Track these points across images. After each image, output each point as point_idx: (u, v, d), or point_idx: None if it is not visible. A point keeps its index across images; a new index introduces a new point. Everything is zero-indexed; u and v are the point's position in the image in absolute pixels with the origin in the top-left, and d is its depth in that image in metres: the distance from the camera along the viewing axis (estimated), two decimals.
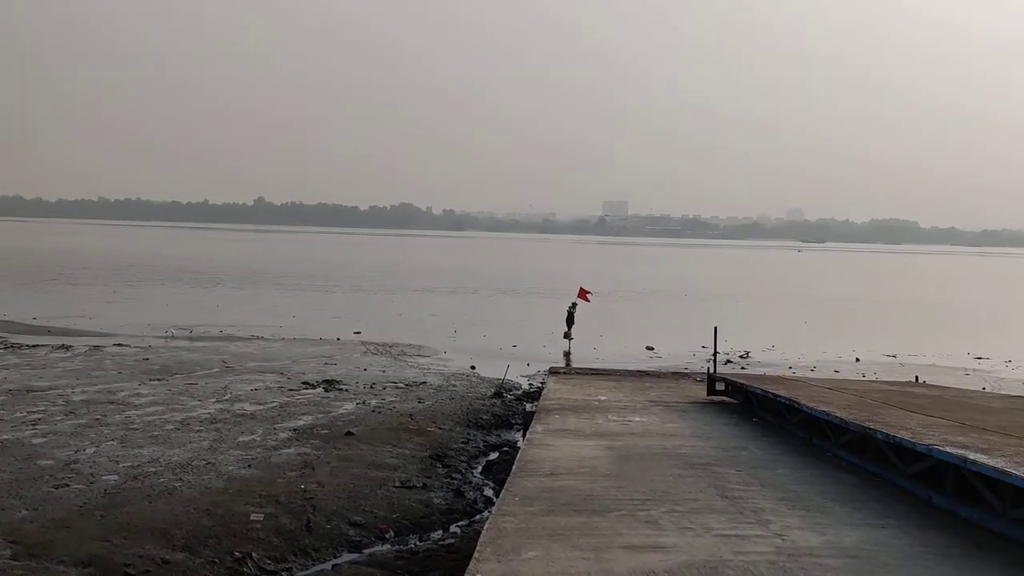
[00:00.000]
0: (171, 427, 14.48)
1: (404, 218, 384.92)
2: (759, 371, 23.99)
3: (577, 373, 20.13)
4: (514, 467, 9.71)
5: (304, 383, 19.65)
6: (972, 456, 7.50)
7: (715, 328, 18.37)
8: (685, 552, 6.73)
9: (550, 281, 63.88)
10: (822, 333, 37.48)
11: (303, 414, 16.09)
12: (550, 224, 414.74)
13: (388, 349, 27.38)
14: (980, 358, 30.43)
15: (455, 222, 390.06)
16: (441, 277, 68.00)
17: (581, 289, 30.53)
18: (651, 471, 9.64)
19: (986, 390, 20.56)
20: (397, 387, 19.93)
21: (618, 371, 20.97)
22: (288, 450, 13.33)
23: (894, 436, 8.89)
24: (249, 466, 12.24)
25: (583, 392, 16.34)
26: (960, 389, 17.29)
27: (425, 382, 20.94)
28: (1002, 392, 19.90)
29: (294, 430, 14.68)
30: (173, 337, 28.11)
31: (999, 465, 7.10)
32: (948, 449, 7.90)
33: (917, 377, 19.12)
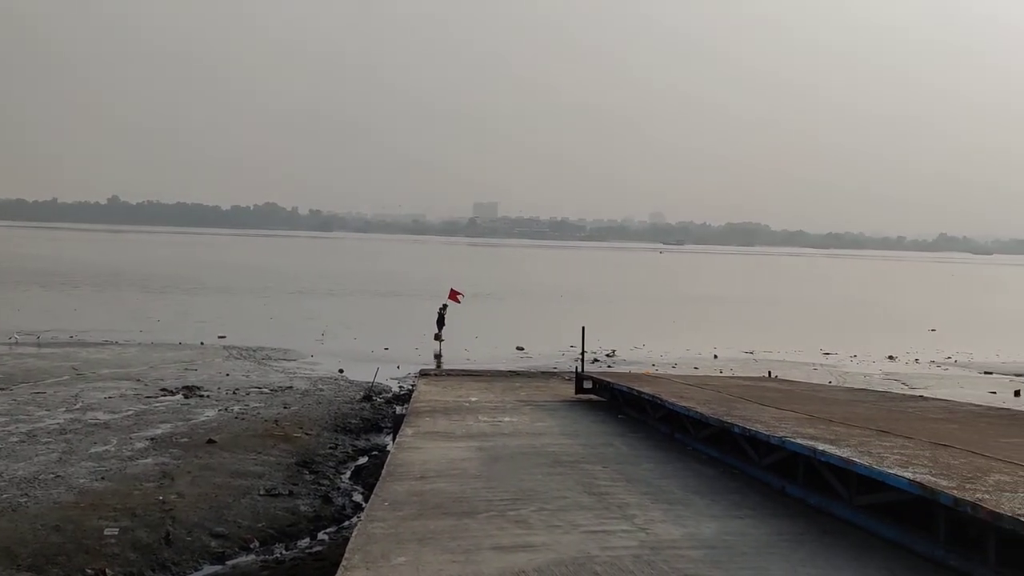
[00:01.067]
0: (15, 439, 13.59)
1: (268, 218, 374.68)
2: (625, 369, 24.66)
3: (448, 375, 20.11)
4: (383, 471, 9.59)
5: (162, 390, 18.84)
6: (821, 447, 7.91)
7: (582, 328, 18.74)
8: (553, 550, 6.81)
9: (422, 283, 63.62)
10: (684, 331, 38.86)
11: (161, 422, 15.42)
12: (420, 225, 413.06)
13: (253, 353, 26.58)
14: (827, 353, 32.28)
15: (322, 223, 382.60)
16: (310, 279, 66.60)
17: (451, 290, 30.52)
18: (521, 470, 9.72)
19: (832, 383, 21.81)
20: (262, 392, 19.37)
21: (489, 372, 21.07)
22: (145, 460, 12.74)
23: (750, 429, 9.28)
24: (103, 478, 11.62)
25: (454, 394, 16.32)
26: (809, 383, 18.27)
27: (291, 387, 20.45)
28: (846, 385, 21.17)
29: (152, 439, 14.05)
30: (17, 343, 26.37)
31: (845, 455, 7.52)
32: (799, 441, 8.31)
33: (770, 372, 20.07)
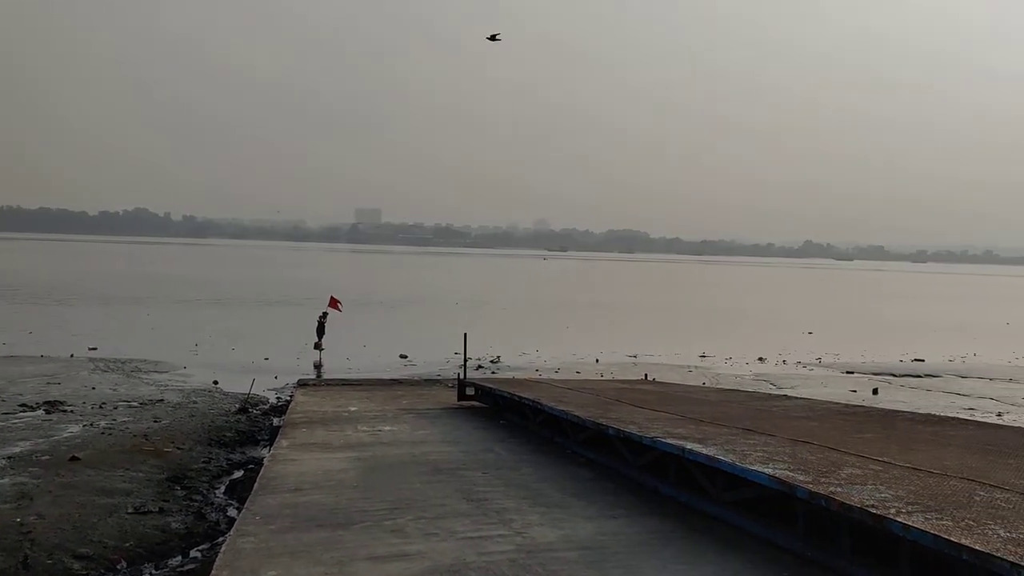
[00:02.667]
0: None
1: (139, 224, 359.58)
2: (509, 375, 24.81)
3: (327, 384, 19.78)
4: (255, 485, 9.36)
5: (21, 405, 17.79)
6: (689, 446, 8.18)
7: (464, 334, 18.77)
8: (430, 558, 6.80)
9: (303, 290, 62.33)
10: (569, 336, 39.41)
11: (20, 440, 14.55)
12: (300, 231, 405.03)
13: (122, 366, 25.43)
14: (703, 356, 33.37)
15: (197, 229, 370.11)
16: (185, 288, 64.24)
17: (332, 298, 30.04)
18: (399, 479, 9.66)
19: (705, 385, 22.56)
20: (131, 406, 18.55)
21: (370, 381, 20.84)
22: (1, 480, 11.99)
23: (624, 431, 9.51)
24: None
25: (333, 403, 16.07)
26: (683, 385, 18.84)
27: (163, 400, 19.66)
28: (719, 386, 21.93)
29: (8, 458, 13.24)
30: None
31: (711, 453, 7.79)
32: (670, 441, 8.57)
33: (647, 375, 20.58)
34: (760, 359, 32.96)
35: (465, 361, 18.79)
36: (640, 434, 9.18)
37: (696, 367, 29.96)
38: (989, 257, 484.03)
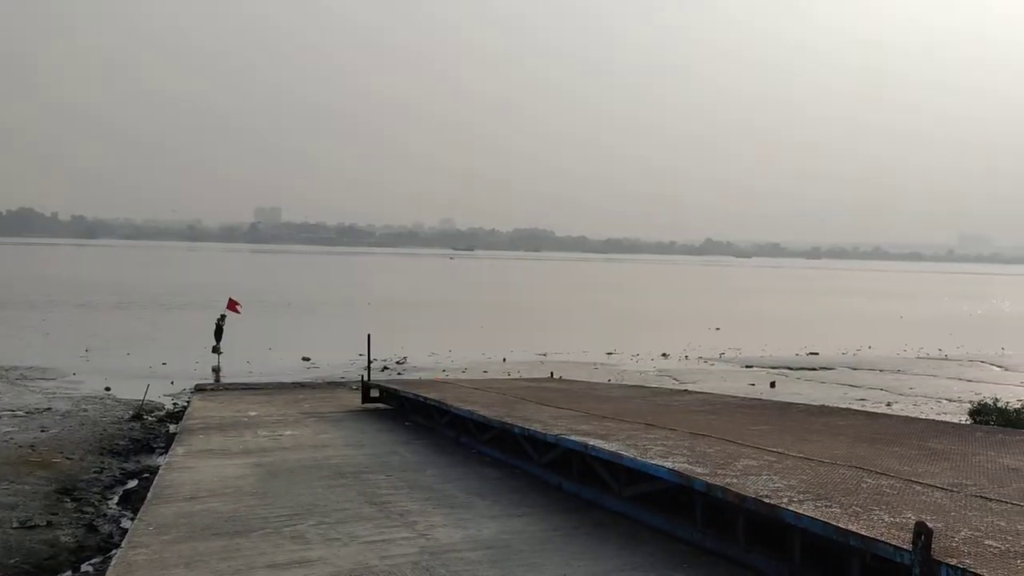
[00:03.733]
0: None
1: (24, 224, 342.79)
2: (416, 376, 24.63)
3: (226, 389, 19.25)
4: (149, 494, 9.04)
5: None
6: (592, 442, 8.26)
7: (368, 335, 18.53)
8: (331, 564, 6.67)
9: (200, 292, 60.55)
10: (478, 336, 39.40)
11: None
12: (196, 231, 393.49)
13: (6, 374, 24.16)
14: (611, 353, 33.83)
15: (87, 229, 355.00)
16: (80, 291, 61.59)
17: (230, 300, 29.23)
18: (300, 485, 9.45)
19: (611, 381, 22.87)
20: (15, 416, 17.64)
21: (271, 384, 20.39)
22: None
23: (528, 429, 9.54)
24: None
25: (232, 409, 15.65)
26: (588, 382, 19.04)
27: (51, 408, 18.76)
28: (623, 383, 22.25)
29: None
30: None
31: (614, 449, 7.89)
32: (573, 437, 8.64)
33: (552, 373, 20.73)
34: (664, 355, 33.61)
35: (369, 363, 18.55)
36: (544, 432, 9.23)
37: (602, 364, 30.34)
38: (878, 253, 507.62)
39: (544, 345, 35.47)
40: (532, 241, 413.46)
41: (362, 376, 17.65)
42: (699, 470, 6.81)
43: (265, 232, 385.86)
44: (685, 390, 17.51)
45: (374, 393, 16.38)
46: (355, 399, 16.77)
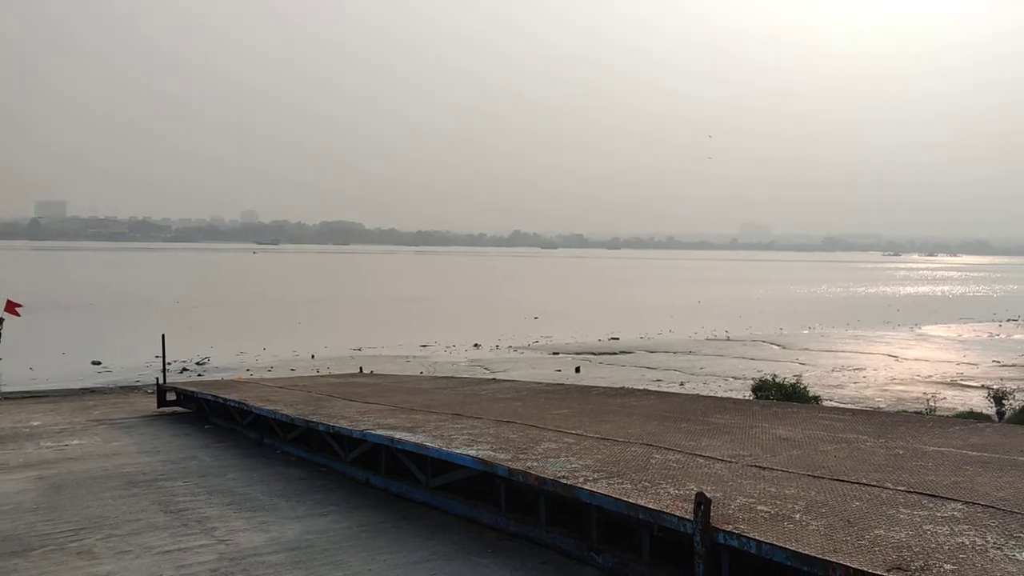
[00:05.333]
0: None
1: None
2: (218, 377, 23.63)
3: (5, 398, 17.71)
4: None
5: None
6: (398, 435, 8.24)
7: (162, 335, 17.60)
8: None
9: None
10: (287, 333, 38.28)
11: None
12: None
13: None
14: (424, 345, 33.89)
15: None
16: None
17: (8, 302, 26.85)
18: (88, 497, 8.85)
19: (422, 374, 22.94)
20: None
21: (57, 391, 18.98)
22: None
23: (334, 426, 9.39)
24: None
25: (11, 419, 14.41)
26: (398, 375, 18.99)
27: None
28: (435, 375, 22.38)
29: None
30: None
31: (420, 441, 7.91)
32: (379, 432, 8.59)
33: (362, 368, 20.53)
34: (476, 345, 34.07)
35: (164, 364, 17.62)
36: (351, 428, 9.12)
37: (415, 357, 30.36)
38: (671, 243, 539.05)
39: (356, 340, 35.03)
40: (341, 234, 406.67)
41: (157, 379, 16.75)
42: (502, 456, 6.96)
43: (49, 228, 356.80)
44: (493, 379, 17.84)
45: (170, 396, 15.60)
46: (150, 404, 15.91)
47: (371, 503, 8.38)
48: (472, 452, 7.17)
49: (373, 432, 8.67)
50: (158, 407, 15.45)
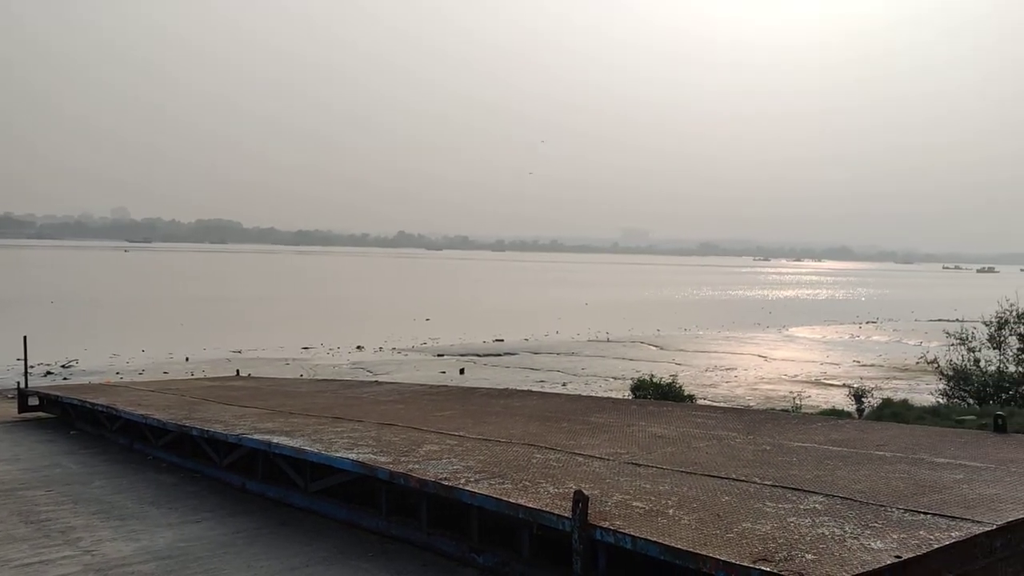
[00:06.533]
0: None
1: None
2: (86, 380, 22.55)
3: None
4: None
5: None
6: (276, 440, 8.06)
7: (24, 337, 16.63)
8: None
9: None
10: (160, 335, 36.80)
11: None
12: None
13: None
14: (306, 347, 33.23)
15: None
16: None
17: None
18: None
19: (302, 376, 22.51)
20: None
21: None
22: None
23: (208, 430, 9.11)
24: None
25: None
26: (277, 379, 18.58)
27: None
28: (316, 377, 22.00)
29: None
30: None
31: (298, 445, 7.76)
32: (256, 436, 8.38)
33: (239, 371, 19.98)
34: (359, 348, 33.66)
35: (26, 368, 16.68)
36: (226, 432, 8.87)
37: (295, 359, 29.75)
38: (555, 246, 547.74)
39: (235, 342, 34.05)
40: (217, 233, 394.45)
41: (18, 383, 15.85)
42: (383, 459, 6.91)
43: None
44: (376, 381, 17.66)
45: (33, 401, 14.82)
46: (11, 409, 15.08)
47: (248, 509, 8.17)
48: (352, 455, 7.09)
49: (250, 436, 8.45)
50: (19, 412, 14.66)
